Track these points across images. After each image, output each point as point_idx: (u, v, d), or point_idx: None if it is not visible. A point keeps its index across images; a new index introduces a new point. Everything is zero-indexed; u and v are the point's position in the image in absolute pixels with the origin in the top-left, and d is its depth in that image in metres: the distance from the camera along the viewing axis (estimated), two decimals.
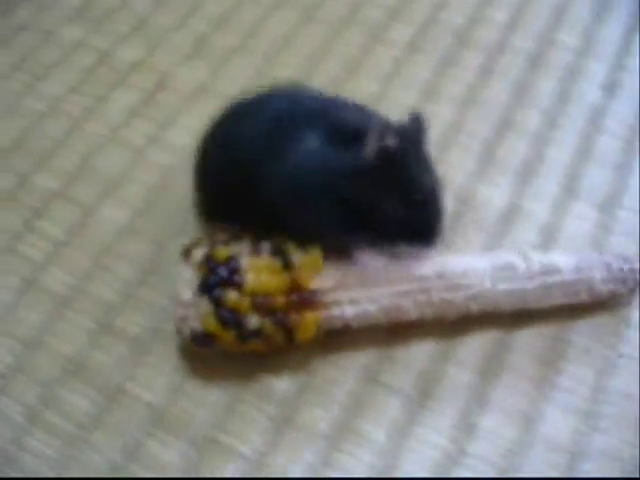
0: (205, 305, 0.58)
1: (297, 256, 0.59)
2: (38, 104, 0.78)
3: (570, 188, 0.71)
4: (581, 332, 0.62)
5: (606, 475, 0.56)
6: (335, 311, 0.59)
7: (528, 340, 0.62)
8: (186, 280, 0.59)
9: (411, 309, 0.59)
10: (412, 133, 0.59)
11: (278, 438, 0.59)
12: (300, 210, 0.59)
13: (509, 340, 0.62)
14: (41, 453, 0.58)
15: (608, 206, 0.70)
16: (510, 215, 0.69)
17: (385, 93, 0.78)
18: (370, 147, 0.56)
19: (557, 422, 0.58)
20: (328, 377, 0.61)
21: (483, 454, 0.57)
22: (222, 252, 0.59)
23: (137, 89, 0.79)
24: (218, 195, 0.64)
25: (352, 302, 0.59)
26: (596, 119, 0.76)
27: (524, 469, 0.56)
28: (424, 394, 0.60)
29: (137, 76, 0.79)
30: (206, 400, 0.60)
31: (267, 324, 0.58)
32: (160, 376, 0.61)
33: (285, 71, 0.80)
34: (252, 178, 0.59)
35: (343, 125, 0.58)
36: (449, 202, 0.62)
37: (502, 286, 0.60)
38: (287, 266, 0.59)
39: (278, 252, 0.59)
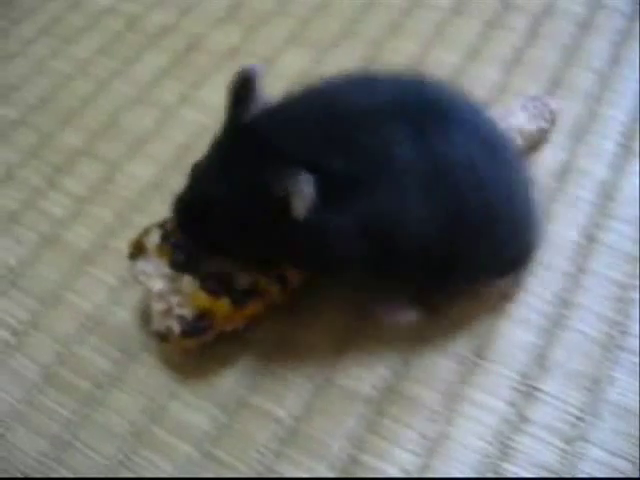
0: (188, 282, 0.51)
1: None
2: (65, 66, 0.75)
3: (628, 147, 0.66)
4: None
5: None
6: None
7: None
8: (149, 273, 0.52)
9: None
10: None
11: (317, 401, 0.53)
12: None
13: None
14: (54, 412, 0.53)
15: None
16: (565, 173, 0.64)
17: (427, 53, 0.73)
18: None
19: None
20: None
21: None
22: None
23: (168, 51, 0.75)
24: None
25: None
26: None
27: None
28: (478, 355, 0.55)
29: (167, 39, 0.76)
30: (236, 362, 0.55)
31: (259, 277, 0.52)
32: None
33: (323, 33, 0.76)
34: None
35: None
36: None
37: None
38: None
39: None
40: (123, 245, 0.59)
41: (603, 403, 0.52)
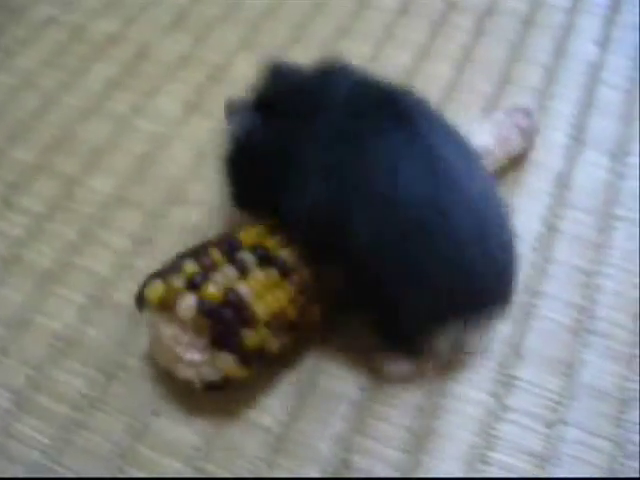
0: (225, 359, 0.50)
1: (287, 256, 0.52)
2: (10, 78, 0.72)
3: (578, 138, 0.69)
4: None
5: None
6: None
7: None
8: (182, 342, 0.50)
9: None
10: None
11: (303, 406, 0.53)
12: None
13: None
14: (32, 440, 0.51)
15: (618, 153, 0.67)
16: (522, 166, 0.66)
17: (378, 54, 0.74)
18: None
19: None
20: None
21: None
22: (212, 291, 0.50)
23: (116, 61, 0.74)
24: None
25: None
26: (594, 73, 0.74)
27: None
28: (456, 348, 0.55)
29: (115, 49, 0.75)
30: None
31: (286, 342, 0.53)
32: None
33: (273, 38, 0.76)
34: None
35: None
36: None
37: None
38: (285, 274, 0.52)
39: (266, 260, 0.52)
40: (89, 262, 0.58)
41: (579, 386, 0.54)
